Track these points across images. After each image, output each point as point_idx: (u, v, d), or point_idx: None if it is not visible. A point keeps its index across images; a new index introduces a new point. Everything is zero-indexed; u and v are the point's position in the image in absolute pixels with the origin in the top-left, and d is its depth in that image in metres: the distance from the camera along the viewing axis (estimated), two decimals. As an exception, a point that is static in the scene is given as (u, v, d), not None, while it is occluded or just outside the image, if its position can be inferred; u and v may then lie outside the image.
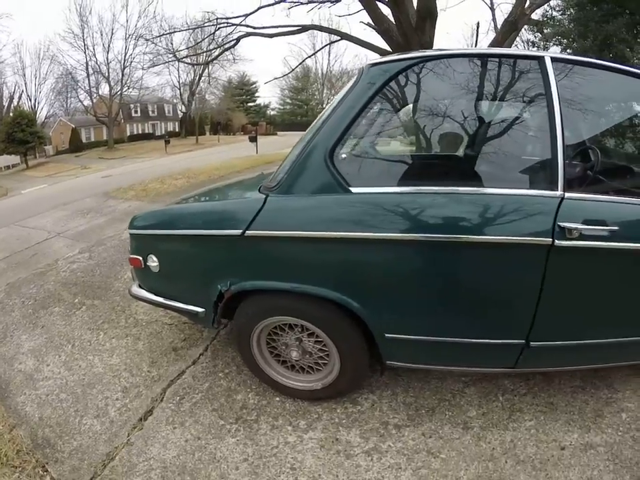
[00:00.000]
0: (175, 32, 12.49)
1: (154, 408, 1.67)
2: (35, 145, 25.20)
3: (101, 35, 28.52)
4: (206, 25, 9.82)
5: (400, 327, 1.44)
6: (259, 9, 9.75)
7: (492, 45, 7.82)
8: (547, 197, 1.28)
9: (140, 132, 36.72)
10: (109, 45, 27.81)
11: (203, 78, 29.09)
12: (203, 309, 1.61)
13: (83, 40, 27.89)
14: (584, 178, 1.48)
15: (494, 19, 9.65)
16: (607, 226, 1.25)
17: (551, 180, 1.28)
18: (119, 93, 27.64)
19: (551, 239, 1.23)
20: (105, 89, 28.64)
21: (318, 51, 10.01)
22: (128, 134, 35.37)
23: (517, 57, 1.50)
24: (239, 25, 9.84)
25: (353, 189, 1.35)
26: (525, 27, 8.69)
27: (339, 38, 9.42)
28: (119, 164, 19.15)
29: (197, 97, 33.84)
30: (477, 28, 8.34)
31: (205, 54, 13.13)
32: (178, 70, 29.60)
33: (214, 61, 16.34)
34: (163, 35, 11.66)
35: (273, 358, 1.69)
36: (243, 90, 45.98)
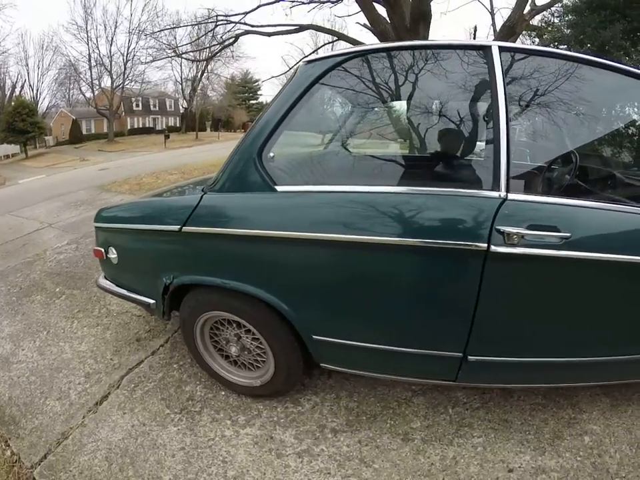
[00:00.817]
0: (175, 28, 12.60)
1: (110, 394, 1.81)
2: (35, 135, 25.26)
3: (105, 27, 28.73)
4: (205, 21, 9.92)
5: (327, 330, 1.41)
6: (258, 7, 9.85)
7: None
8: (486, 197, 1.17)
9: (141, 126, 36.76)
10: (112, 38, 28.11)
11: (205, 74, 29.08)
12: (154, 301, 1.70)
13: (87, 32, 28.37)
14: (535, 178, 1.44)
15: (493, 24, 9.69)
16: (559, 232, 1.12)
17: (492, 179, 1.17)
18: (120, 86, 27.69)
19: (486, 244, 1.12)
20: (107, 82, 28.79)
21: (314, 51, 10.06)
22: (129, 127, 35.41)
23: (459, 48, 1.35)
24: (238, 22, 9.95)
25: (278, 188, 1.36)
26: (524, 32, 8.75)
27: (336, 38, 9.55)
28: (118, 157, 19.22)
29: (199, 92, 33.89)
30: (475, 32, 8.28)
31: (206, 50, 13.28)
32: (180, 65, 29.63)
33: (215, 58, 16.46)
34: (162, 30, 11.82)
35: (216, 352, 1.75)
36: (245, 87, 46.01)
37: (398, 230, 1.23)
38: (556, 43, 7.16)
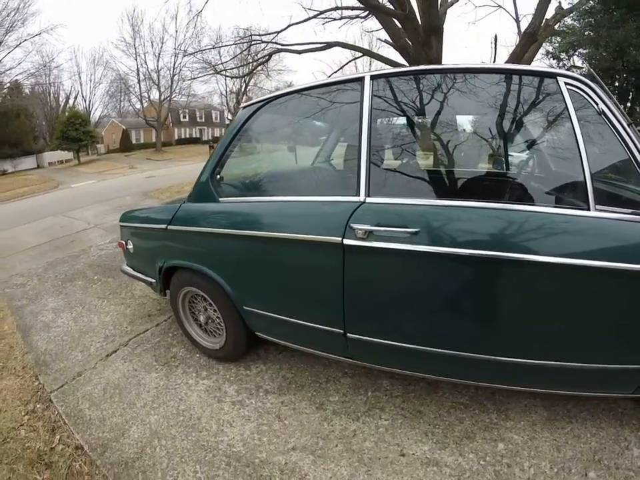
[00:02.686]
0: (212, 48, 13.62)
1: (118, 349, 2.33)
2: (87, 143, 26.58)
3: (152, 44, 30.30)
4: (240, 42, 10.71)
5: (252, 302, 1.79)
6: (288, 26, 10.50)
7: (511, 57, 7.90)
8: (349, 202, 1.46)
9: (187, 136, 38.60)
10: (159, 54, 29.11)
11: (249, 87, 30.30)
12: (155, 280, 2.25)
13: (135, 48, 29.34)
14: (391, 182, 1.66)
15: (519, 31, 9.56)
16: (407, 228, 1.32)
17: (356, 187, 1.46)
18: (168, 99, 28.74)
19: (340, 238, 1.40)
20: (155, 94, 29.88)
21: (342, 67, 10.52)
22: (176, 137, 37.19)
23: (343, 82, 1.68)
24: (270, 42, 10.68)
25: (221, 199, 1.88)
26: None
27: (361, 54, 10.00)
28: (164, 165, 20.46)
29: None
30: (495, 41, 8.27)
31: (245, 67, 14.21)
32: (225, 79, 30.87)
33: (258, 72, 17.43)
34: (201, 50, 12.78)
35: (193, 321, 2.22)
36: None
37: (291, 228, 1.56)
38: (574, 46, 6.94)
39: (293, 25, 10.47)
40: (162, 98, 28.45)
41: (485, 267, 1.29)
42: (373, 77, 1.55)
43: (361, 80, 1.56)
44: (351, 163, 1.55)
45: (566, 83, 1.32)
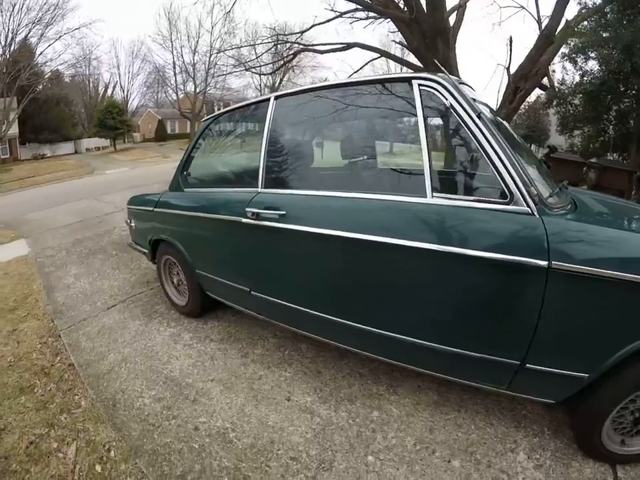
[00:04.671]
0: (240, 47, 14.24)
1: (117, 305, 2.93)
2: (124, 132, 27.42)
3: (188, 38, 30.03)
4: (266, 42, 11.22)
5: (199, 266, 2.31)
6: (312, 26, 10.79)
7: (526, 60, 7.82)
8: (250, 192, 1.91)
9: (221, 129, 39.99)
10: (195, 48, 29.22)
11: (283, 82, 30.75)
12: (147, 250, 2.84)
13: (171, 42, 29.62)
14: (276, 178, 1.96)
15: (541, 32, 9.35)
16: (279, 211, 1.71)
17: (256, 181, 1.91)
18: (203, 92, 29.14)
19: (241, 218, 1.87)
20: (191, 87, 30.08)
21: (360, 68, 10.75)
22: (210, 130, 38.59)
23: (259, 102, 2.11)
24: (294, 42, 11.14)
25: (185, 190, 2.47)
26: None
27: (379, 55, 10.21)
28: (196, 156, 21.54)
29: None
30: (510, 43, 8.20)
31: (276, 64, 14.79)
32: (260, 75, 31.52)
33: (284, 69, 17.86)
34: (231, 48, 13.41)
35: (170, 282, 2.81)
36: None
37: (215, 210, 2.08)
38: (585, 48, 6.80)
39: (316, 25, 10.83)
40: (197, 91, 28.97)
41: (334, 243, 1.59)
42: (276, 97, 1.97)
43: (268, 100, 1.99)
44: (255, 163, 1.96)
45: (419, 85, 1.48)
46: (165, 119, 35.65)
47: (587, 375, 1.32)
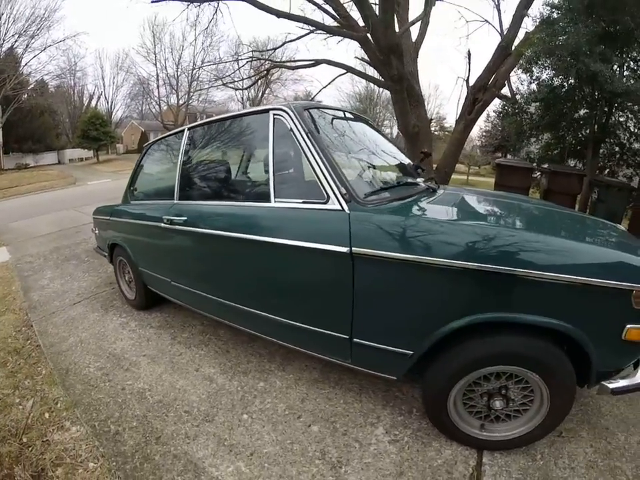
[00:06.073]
0: (218, 64, 14.90)
1: (82, 301, 3.50)
2: (107, 143, 27.18)
3: (172, 51, 30.49)
4: (240, 59, 11.88)
5: (142, 265, 2.84)
6: (283, 43, 11.37)
7: (484, 71, 7.87)
8: (169, 203, 2.43)
9: (203, 140, 40.16)
10: (178, 61, 29.77)
11: (264, 96, 31.19)
12: (107, 253, 3.43)
13: (155, 54, 30.06)
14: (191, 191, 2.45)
15: (499, 44, 9.49)
16: (183, 217, 2.21)
17: (173, 195, 2.43)
18: (185, 104, 29.45)
19: (161, 224, 2.38)
20: (174, 99, 30.48)
21: (325, 86, 11.42)
22: (192, 141, 38.65)
23: (178, 132, 2.60)
24: (267, 59, 11.83)
25: (132, 202, 3.10)
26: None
27: (345, 71, 10.90)
28: (179, 166, 21.98)
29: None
30: (469, 56, 8.48)
31: (248, 80, 15.51)
32: (236, 89, 31.44)
33: (266, 83, 18.38)
34: (207, 65, 13.99)
35: (123, 279, 3.39)
36: None
37: (145, 217, 2.64)
38: (537, 58, 6.61)
39: (287, 42, 11.52)
40: (180, 103, 29.27)
41: (215, 240, 2.06)
42: (189, 128, 2.49)
43: (183, 130, 2.53)
44: (173, 181, 2.48)
45: (273, 114, 1.84)
46: (148, 130, 35.90)
47: (411, 352, 1.48)
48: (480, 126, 21.79)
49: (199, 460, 1.64)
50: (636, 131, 6.85)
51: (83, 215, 7.63)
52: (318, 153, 1.63)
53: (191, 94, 28.11)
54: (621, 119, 7.03)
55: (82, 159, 28.90)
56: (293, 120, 1.75)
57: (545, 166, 7.51)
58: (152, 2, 6.47)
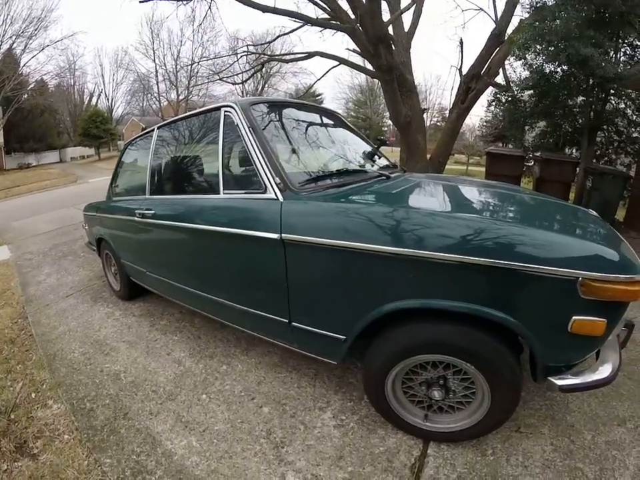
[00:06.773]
0: (214, 59, 14.92)
1: (74, 293, 3.72)
2: (108, 140, 27.51)
3: (170, 46, 30.57)
4: (235, 53, 11.95)
5: (124, 257, 3.03)
6: (277, 37, 11.56)
7: (477, 60, 7.89)
8: (142, 198, 2.60)
9: (204, 135, 40.09)
10: (177, 56, 30.04)
11: (264, 89, 31.00)
12: (95, 247, 3.64)
13: (153, 51, 30.57)
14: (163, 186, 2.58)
15: (491, 32, 9.38)
16: (152, 211, 2.37)
17: (145, 190, 2.61)
18: (185, 99, 29.44)
19: (134, 217, 2.55)
20: (174, 95, 30.51)
21: (320, 78, 11.45)
22: (193, 137, 38.53)
23: (150, 131, 2.76)
24: (261, 53, 11.91)
25: (113, 198, 3.28)
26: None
27: (338, 63, 10.92)
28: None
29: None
30: (461, 45, 8.45)
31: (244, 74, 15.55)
32: (233, 83, 30.98)
33: (263, 76, 18.31)
34: (204, 60, 14.07)
35: (110, 272, 3.60)
36: (310, 100, 47.87)
37: (121, 212, 2.85)
38: (528, 44, 6.28)
39: (281, 35, 11.55)
40: (180, 98, 29.27)
41: (175, 231, 2.23)
42: (158, 127, 2.66)
43: (153, 130, 2.71)
44: (145, 177, 2.65)
45: (224, 111, 1.94)
46: (149, 127, 34.54)
47: (344, 337, 1.52)
48: (480, 116, 21.64)
49: (157, 434, 1.81)
50: (635, 118, 6.65)
51: (82, 213, 7.83)
52: (257, 146, 1.72)
53: (190, 89, 28.11)
54: (620, 106, 6.79)
55: (84, 156, 29.25)
56: (238, 115, 1.85)
57: (538, 154, 7.31)
58: (140, 1, 6.56)
